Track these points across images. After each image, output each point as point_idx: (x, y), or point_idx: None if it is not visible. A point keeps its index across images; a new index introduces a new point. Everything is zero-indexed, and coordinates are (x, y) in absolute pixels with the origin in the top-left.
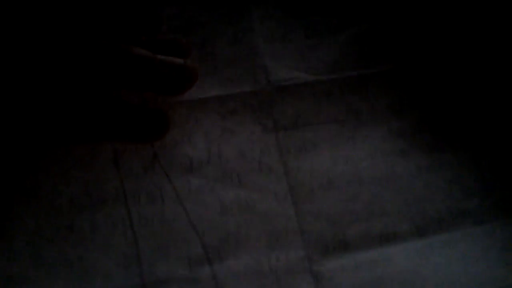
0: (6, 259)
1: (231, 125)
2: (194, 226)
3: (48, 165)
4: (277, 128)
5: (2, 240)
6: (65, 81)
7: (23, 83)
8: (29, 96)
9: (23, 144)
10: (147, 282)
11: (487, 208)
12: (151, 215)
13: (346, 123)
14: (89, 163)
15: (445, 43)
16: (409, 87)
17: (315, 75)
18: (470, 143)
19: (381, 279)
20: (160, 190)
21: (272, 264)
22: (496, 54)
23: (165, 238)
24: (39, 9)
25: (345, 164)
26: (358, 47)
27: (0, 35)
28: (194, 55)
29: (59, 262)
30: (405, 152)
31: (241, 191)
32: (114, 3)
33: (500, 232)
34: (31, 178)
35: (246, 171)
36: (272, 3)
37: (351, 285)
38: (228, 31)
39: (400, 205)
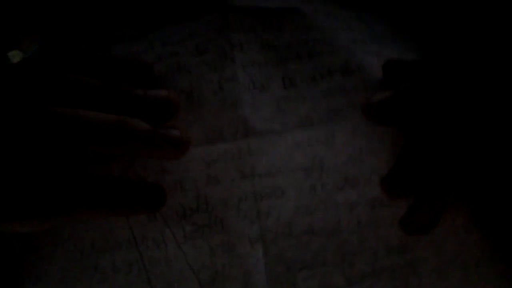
0: None
1: (215, 172)
2: (190, 266)
3: None
4: (253, 175)
5: (36, 279)
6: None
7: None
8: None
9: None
10: None
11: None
12: (158, 257)
13: (310, 171)
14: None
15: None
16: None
17: (288, 127)
18: None
19: None
20: (162, 235)
21: None
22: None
23: (171, 276)
24: None
25: (304, 214)
26: (329, 100)
27: None
28: (183, 103)
29: None
30: (353, 207)
31: (224, 235)
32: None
33: None
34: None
35: (228, 217)
36: (256, 48)
37: None
38: (214, 78)
39: (337, 257)
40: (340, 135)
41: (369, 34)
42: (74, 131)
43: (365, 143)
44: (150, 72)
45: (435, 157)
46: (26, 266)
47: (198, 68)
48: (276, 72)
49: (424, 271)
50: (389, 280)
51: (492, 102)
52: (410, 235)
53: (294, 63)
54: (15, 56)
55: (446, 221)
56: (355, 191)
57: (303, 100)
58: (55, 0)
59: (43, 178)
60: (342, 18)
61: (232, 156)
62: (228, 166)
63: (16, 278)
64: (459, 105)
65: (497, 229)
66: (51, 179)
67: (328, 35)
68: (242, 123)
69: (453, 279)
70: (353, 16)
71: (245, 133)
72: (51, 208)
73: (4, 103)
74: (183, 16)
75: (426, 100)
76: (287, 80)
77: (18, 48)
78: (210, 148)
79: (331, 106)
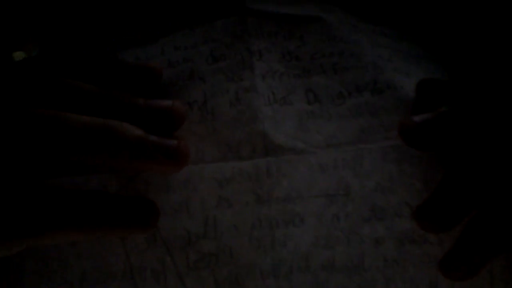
0: None
1: (227, 194)
2: None
3: None
4: (270, 199)
5: None
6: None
7: None
8: None
9: None
10: None
11: None
12: None
13: (334, 198)
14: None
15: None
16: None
17: (311, 147)
18: None
19: None
20: (163, 265)
21: None
22: None
23: None
24: None
25: (325, 247)
26: (357, 120)
27: None
28: (195, 114)
29: None
30: (379, 241)
31: (232, 267)
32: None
33: None
34: (41, 249)
35: (238, 245)
36: (276, 57)
37: None
38: (230, 88)
39: None
40: (369, 159)
41: (395, 50)
42: (52, 133)
43: (396, 170)
44: (158, 78)
45: (487, 190)
46: None
47: (213, 76)
48: (298, 84)
49: None
50: None
51: None
52: (450, 279)
53: (318, 76)
54: (20, 57)
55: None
56: (383, 224)
57: (329, 117)
58: (61, 3)
59: (8, 194)
60: (367, 32)
61: (248, 176)
62: (243, 187)
63: None
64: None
65: None
66: (15, 195)
67: (354, 49)
68: (261, 139)
69: None
70: (378, 31)
71: (263, 151)
72: (12, 231)
73: None
74: (198, 19)
75: (475, 126)
76: (310, 94)
77: (23, 49)
78: (224, 166)
79: (359, 127)
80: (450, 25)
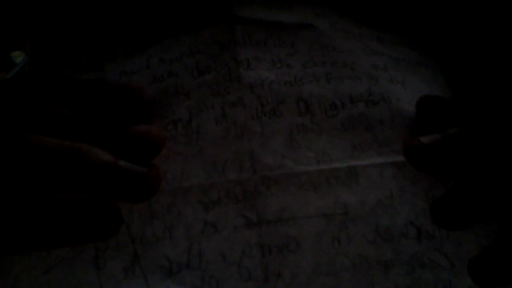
0: None
1: (213, 218)
2: None
3: (28, 263)
4: (260, 222)
5: None
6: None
7: None
8: None
9: None
10: None
11: None
12: None
13: (332, 218)
14: (71, 263)
15: None
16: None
17: (301, 165)
18: None
19: None
20: None
21: None
22: None
23: None
24: None
25: (326, 274)
26: (350, 134)
27: None
28: (180, 134)
29: None
30: (388, 265)
31: None
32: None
33: None
34: (11, 277)
35: (225, 276)
36: (266, 65)
37: None
38: (216, 103)
39: None
40: (364, 176)
41: (391, 57)
42: (13, 154)
43: (396, 187)
44: (140, 98)
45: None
46: None
47: (198, 91)
48: (289, 93)
49: None
50: None
51: None
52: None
53: (310, 85)
54: (18, 56)
55: None
56: (390, 246)
57: (320, 132)
58: (49, 10)
59: None
60: (361, 38)
61: (235, 197)
62: (230, 210)
63: None
64: None
65: None
66: None
67: (348, 58)
68: (248, 158)
69: None
70: (373, 36)
71: (251, 171)
72: None
73: None
74: (184, 27)
75: (488, 150)
76: (302, 104)
77: (21, 49)
78: (209, 188)
79: (351, 142)
80: (450, 27)
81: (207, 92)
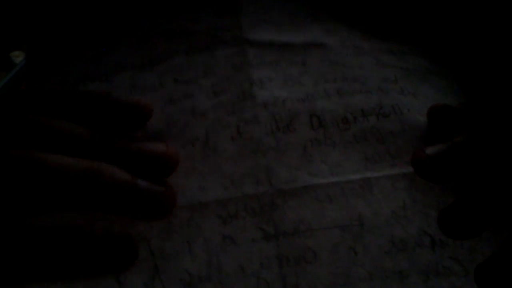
0: None
1: (231, 232)
2: None
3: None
4: (277, 234)
5: None
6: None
7: None
8: None
9: None
10: None
11: None
12: None
13: (348, 229)
14: (93, 279)
15: None
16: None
17: (316, 177)
18: None
19: None
20: None
21: None
22: None
23: None
24: None
25: (343, 285)
26: (362, 147)
27: None
28: (197, 152)
29: None
30: (403, 275)
31: None
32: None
33: None
34: None
35: None
36: (278, 83)
37: None
38: (231, 121)
39: None
40: (378, 187)
41: (402, 69)
42: (28, 174)
43: (408, 198)
44: (147, 117)
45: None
46: None
47: (214, 111)
48: (302, 109)
49: None
50: None
51: None
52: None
53: (322, 101)
54: (18, 56)
55: None
56: (405, 255)
57: (333, 145)
58: (49, 13)
59: None
60: (371, 52)
61: (253, 211)
62: (247, 223)
63: None
64: None
65: None
66: None
67: (358, 73)
68: (264, 172)
69: None
70: (383, 49)
71: (268, 184)
72: None
73: None
74: (196, 46)
75: (492, 157)
76: (315, 119)
77: (21, 49)
78: (227, 202)
79: (364, 155)
80: (463, 35)
81: (222, 112)
